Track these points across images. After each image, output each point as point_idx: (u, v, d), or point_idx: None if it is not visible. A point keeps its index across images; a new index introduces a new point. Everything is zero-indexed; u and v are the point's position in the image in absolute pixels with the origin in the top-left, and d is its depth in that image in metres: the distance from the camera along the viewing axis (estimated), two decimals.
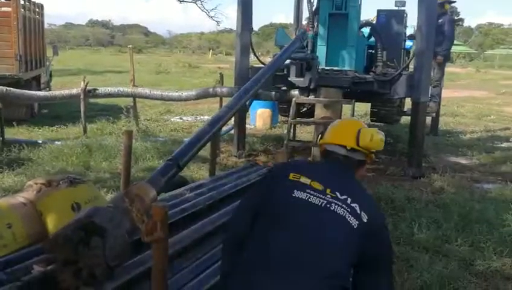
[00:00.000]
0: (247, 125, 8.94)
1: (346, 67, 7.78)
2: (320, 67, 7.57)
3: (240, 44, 7.93)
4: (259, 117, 11.10)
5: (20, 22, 10.34)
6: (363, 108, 11.84)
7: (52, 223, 2.86)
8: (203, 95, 9.15)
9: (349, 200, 1.98)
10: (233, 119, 8.64)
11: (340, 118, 7.44)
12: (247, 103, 8.31)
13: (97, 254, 2.03)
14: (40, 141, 8.22)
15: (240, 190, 4.06)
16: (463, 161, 8.38)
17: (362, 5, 8.20)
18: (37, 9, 12.12)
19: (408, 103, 7.73)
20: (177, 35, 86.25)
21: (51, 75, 14.56)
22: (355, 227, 1.92)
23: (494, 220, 5.16)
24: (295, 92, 7.52)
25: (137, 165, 6.81)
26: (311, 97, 7.42)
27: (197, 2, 11.73)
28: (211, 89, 8.99)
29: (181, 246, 2.84)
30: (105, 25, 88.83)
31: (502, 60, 48.35)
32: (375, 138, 2.21)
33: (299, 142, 8.01)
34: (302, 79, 7.21)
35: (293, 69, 7.31)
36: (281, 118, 11.27)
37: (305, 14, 8.45)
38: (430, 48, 7.24)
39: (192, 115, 12.51)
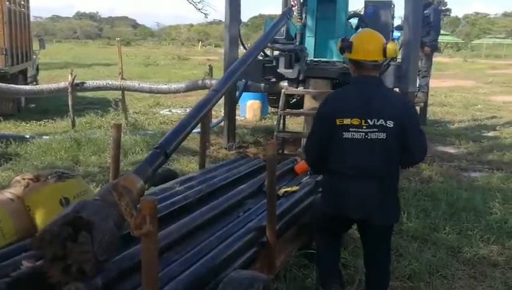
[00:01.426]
0: (237, 117, 8.93)
1: (335, 58, 7.77)
2: (308, 59, 7.57)
3: (228, 36, 7.90)
4: (249, 109, 11.10)
5: (5, 15, 10.22)
6: None
7: (40, 219, 2.86)
8: (193, 88, 9.14)
9: (378, 122, 2.87)
10: (222, 111, 8.64)
11: None
12: (237, 94, 8.36)
13: (85, 249, 2.02)
14: (28, 136, 8.14)
15: (231, 183, 4.07)
16: (451, 150, 8.45)
17: None
18: (22, 2, 12.00)
19: None
20: (165, 27, 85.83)
21: (37, 69, 14.44)
22: (385, 138, 2.88)
23: (481, 208, 5.23)
24: (284, 84, 7.52)
25: (127, 158, 6.79)
26: (300, 88, 7.43)
27: None
28: (200, 81, 8.98)
29: (171, 239, 2.85)
30: (92, 17, 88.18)
31: (488, 50, 48.67)
32: (395, 48, 3.05)
33: (289, 133, 8.02)
34: (291, 70, 7.22)
35: (282, 61, 7.31)
36: (270, 109, 11.27)
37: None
38: (417, 38, 7.26)
39: (182, 107, 12.47)
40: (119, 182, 2.36)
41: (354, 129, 2.89)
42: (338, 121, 2.91)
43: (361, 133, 2.88)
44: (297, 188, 4.16)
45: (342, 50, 3.06)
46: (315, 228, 3.41)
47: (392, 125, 2.86)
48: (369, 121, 2.87)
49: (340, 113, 2.93)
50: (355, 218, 3.07)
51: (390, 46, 2.95)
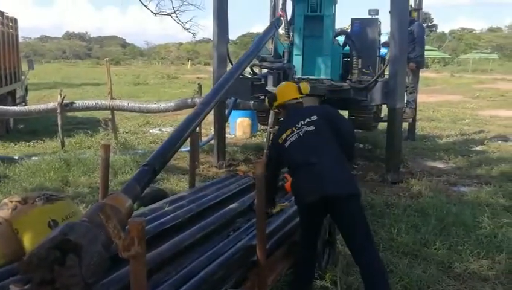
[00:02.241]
0: (227, 135, 8.95)
1: (322, 76, 7.85)
2: (296, 77, 7.63)
3: (216, 55, 7.95)
4: (239, 126, 11.13)
5: None
6: None
7: (28, 242, 2.83)
8: (182, 106, 9.16)
9: (304, 121, 3.53)
10: (212, 129, 8.66)
11: None
12: (226, 112, 8.39)
13: (73, 272, 2.00)
14: (16, 157, 8.10)
15: (221, 201, 4.07)
16: (440, 165, 8.51)
17: (336, 14, 8.30)
18: (11, 23, 11.99)
19: (385, 110, 7.83)
20: (155, 46, 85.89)
21: (26, 90, 14.38)
22: (314, 128, 3.49)
23: (470, 222, 5.25)
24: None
25: (116, 178, 6.77)
26: None
27: (172, 15, 11.71)
28: (189, 100, 9.02)
29: (161, 260, 2.83)
30: (82, 37, 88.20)
31: (475, 64, 49.22)
32: (307, 86, 3.95)
33: None
34: None
35: (270, 79, 7.37)
36: (260, 126, 11.30)
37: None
38: (403, 54, 7.35)
39: (172, 126, 12.46)
40: (107, 203, 2.35)
41: (290, 136, 3.52)
42: (280, 140, 3.59)
43: (296, 134, 3.50)
44: (287, 204, 4.17)
45: (269, 103, 3.95)
46: (299, 235, 3.68)
47: (316, 118, 3.53)
48: (296, 125, 3.54)
49: (279, 136, 3.62)
50: (329, 193, 3.28)
51: (303, 84, 3.91)
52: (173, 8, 11.70)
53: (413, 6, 9.92)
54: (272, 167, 3.69)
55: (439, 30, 73.63)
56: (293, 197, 4.28)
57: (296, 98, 3.84)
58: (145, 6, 11.65)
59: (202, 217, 3.61)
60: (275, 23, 7.63)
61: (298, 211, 3.62)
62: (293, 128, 3.53)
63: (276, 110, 4.10)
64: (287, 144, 3.51)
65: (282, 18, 7.94)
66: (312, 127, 3.50)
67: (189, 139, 4.52)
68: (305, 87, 3.88)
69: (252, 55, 6.37)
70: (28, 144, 9.66)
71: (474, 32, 73.67)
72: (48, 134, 10.24)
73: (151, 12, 11.96)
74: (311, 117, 3.55)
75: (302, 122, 3.53)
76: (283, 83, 4.40)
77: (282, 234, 3.70)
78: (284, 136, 3.55)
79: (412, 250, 4.61)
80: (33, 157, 7.98)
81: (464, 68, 47.46)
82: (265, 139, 8.14)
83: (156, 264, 2.73)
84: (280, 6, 8.42)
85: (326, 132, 3.51)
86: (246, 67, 6.18)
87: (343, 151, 3.50)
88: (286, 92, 3.89)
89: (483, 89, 24.73)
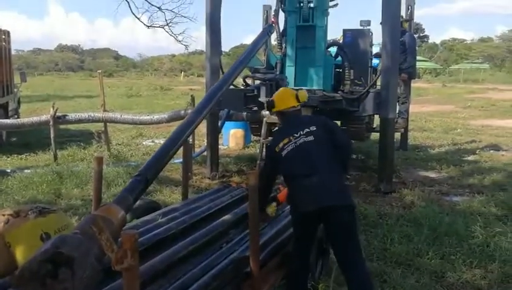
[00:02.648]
0: (220, 146, 8.96)
1: (315, 87, 7.89)
2: (289, 88, 7.66)
3: (209, 66, 7.99)
4: (232, 137, 11.14)
5: None
6: None
7: (21, 255, 2.81)
8: (176, 118, 9.17)
9: (303, 131, 3.54)
10: (205, 140, 8.67)
11: None
12: (219, 123, 8.41)
13: (66, 286, 1.98)
14: (9, 170, 8.07)
15: (214, 213, 4.06)
16: (432, 174, 8.55)
17: (328, 25, 8.37)
18: (3, 36, 11.98)
19: (377, 120, 7.88)
20: (148, 58, 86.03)
21: (19, 102, 14.33)
22: (313, 139, 3.51)
23: (463, 232, 5.28)
24: (266, 112, 7.61)
25: (109, 190, 6.75)
26: None
27: (165, 27, 11.74)
28: (182, 111, 9.02)
29: (154, 272, 2.83)
30: (74, 49, 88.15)
31: (466, 74, 49.62)
32: (305, 94, 3.95)
33: None
34: None
35: (263, 90, 7.40)
36: (253, 137, 11.32)
37: (273, 35, 8.52)
38: (395, 65, 7.41)
39: (165, 137, 12.41)
40: (99, 214, 2.34)
41: (287, 145, 3.53)
42: (276, 149, 3.60)
43: (293, 144, 3.51)
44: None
45: (268, 108, 3.99)
46: (292, 246, 3.66)
47: (314, 128, 3.55)
48: (295, 135, 3.55)
49: (276, 144, 3.64)
50: (325, 204, 3.32)
51: (301, 92, 3.91)
52: (166, 20, 11.71)
53: (404, 17, 10.02)
54: (267, 175, 3.70)
55: (430, 41, 74.36)
56: (288, 207, 4.28)
57: (294, 106, 3.84)
58: (138, 19, 11.66)
59: (195, 228, 3.60)
60: (267, 30, 7.66)
61: (292, 221, 3.62)
62: (291, 137, 3.54)
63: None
64: (284, 153, 3.52)
65: (274, 25, 7.98)
66: (311, 137, 3.51)
67: (182, 151, 4.52)
68: (303, 95, 3.90)
69: (244, 62, 6.37)
70: (20, 156, 9.62)
71: (465, 42, 74.45)
72: (40, 147, 10.20)
73: (144, 24, 11.95)
74: (310, 127, 3.56)
75: (301, 132, 3.54)
76: (281, 89, 4.37)
77: (275, 245, 3.70)
78: (281, 145, 3.56)
79: (405, 260, 4.63)
80: (26, 170, 7.96)
81: (455, 78, 47.85)
82: (258, 150, 8.14)
83: (149, 276, 2.72)
84: (272, 14, 8.46)
85: (325, 143, 3.53)
86: (238, 74, 6.17)
87: (339, 163, 3.54)
88: (284, 99, 3.88)
89: (475, 99, 24.93)
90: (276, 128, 4.17)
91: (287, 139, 3.55)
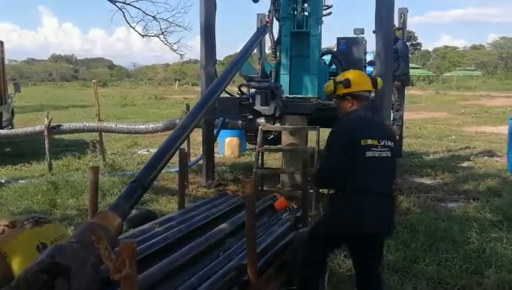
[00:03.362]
0: (215, 155, 8.96)
1: (310, 95, 7.92)
2: (284, 96, 7.69)
3: (204, 75, 8.00)
4: (227, 146, 11.15)
5: None
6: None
7: (17, 265, 2.80)
8: (170, 127, 9.16)
9: (386, 142, 3.25)
10: (201, 149, 8.66)
11: (306, 144, 7.57)
12: (215, 132, 8.41)
13: None
14: (3, 181, 8.04)
15: (210, 222, 4.05)
16: (427, 181, 8.58)
17: (322, 34, 8.41)
18: None
19: None
20: (142, 67, 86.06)
21: (13, 113, 14.28)
22: (389, 156, 3.26)
23: (459, 238, 5.30)
24: (261, 120, 7.63)
25: (105, 200, 6.72)
26: (277, 125, 7.53)
27: (160, 36, 11.76)
28: (177, 120, 9.02)
29: (152, 282, 2.81)
30: (68, 59, 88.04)
31: (459, 82, 49.92)
32: (381, 80, 3.69)
33: (267, 169, 8.06)
34: (267, 107, 7.31)
35: (258, 98, 7.41)
36: (249, 145, 11.33)
37: (268, 43, 8.56)
38: (389, 72, 7.46)
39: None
40: (95, 222, 2.32)
41: (374, 149, 3.19)
42: (362, 142, 3.20)
43: (378, 152, 3.20)
44: None
45: (336, 88, 3.47)
46: (306, 254, 3.49)
47: (392, 145, 3.30)
48: (380, 141, 3.23)
49: (363, 135, 3.23)
50: (373, 232, 3.25)
51: (379, 79, 3.62)
52: (161, 29, 11.72)
53: (397, 25, 10.09)
54: (332, 172, 3.32)
55: (423, 48, 74.78)
56: (285, 215, 4.20)
57: (370, 91, 3.57)
58: (133, 28, 11.67)
59: (192, 237, 3.59)
60: (261, 29, 7.65)
61: (327, 230, 3.39)
62: (377, 142, 3.22)
63: (335, 99, 3.67)
64: (368, 154, 3.19)
65: (268, 25, 7.99)
66: (389, 153, 3.27)
67: (177, 160, 4.52)
68: (380, 81, 3.62)
69: (240, 62, 6.33)
70: (14, 167, 9.57)
71: (457, 50, 74.96)
72: (35, 157, 10.16)
73: (139, 34, 11.97)
74: (388, 141, 3.27)
75: (384, 142, 3.25)
76: (353, 70, 3.86)
77: (273, 252, 3.69)
78: (369, 142, 3.21)
79: (402, 266, 4.63)
80: (20, 181, 7.93)
81: (448, 85, 48.11)
82: (253, 159, 8.13)
83: (147, 285, 2.71)
84: (267, 14, 8.47)
85: (392, 163, 3.38)
86: (233, 76, 6.12)
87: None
88: (362, 81, 3.51)
89: (468, 106, 25.08)
90: (348, 116, 3.49)
91: (375, 141, 3.21)
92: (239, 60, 6.25)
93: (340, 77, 3.53)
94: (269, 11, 8.16)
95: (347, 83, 3.40)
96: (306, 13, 7.96)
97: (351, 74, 3.55)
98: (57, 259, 2.04)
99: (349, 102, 3.43)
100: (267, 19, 8.23)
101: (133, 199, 2.75)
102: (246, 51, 6.61)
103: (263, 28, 7.77)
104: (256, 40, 7.10)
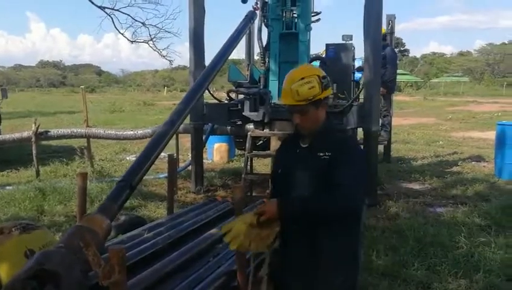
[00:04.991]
0: (204, 160, 8.94)
1: None
2: (273, 102, 7.71)
3: (193, 81, 7.98)
4: (216, 151, 11.13)
5: None
6: None
7: (5, 272, 2.76)
8: None
9: None
10: (190, 155, 8.65)
11: None
12: (203, 137, 8.40)
13: None
14: None
15: (200, 227, 4.04)
16: (416, 186, 8.62)
17: (311, 40, 8.45)
18: None
19: (361, 133, 7.95)
20: (130, 73, 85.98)
21: (0, 119, 14.16)
22: None
23: (447, 243, 5.33)
24: (250, 126, 7.63)
25: (93, 206, 6.65)
26: (266, 130, 7.53)
27: (149, 42, 11.75)
28: None
29: (141, 287, 2.79)
30: (56, 65, 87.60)
31: (447, 87, 50.47)
32: None
33: (256, 175, 8.06)
34: (256, 113, 7.33)
35: (247, 104, 7.42)
36: (237, 151, 11.33)
37: (256, 50, 8.60)
38: (377, 78, 7.50)
39: None
40: (84, 225, 2.28)
41: None
42: None
43: None
44: None
45: (325, 87, 2.45)
46: None
47: None
48: None
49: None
50: None
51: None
52: (150, 35, 11.73)
53: (385, 30, 10.17)
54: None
55: (411, 55, 75.52)
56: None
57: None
58: (122, 34, 11.66)
59: (182, 243, 3.57)
60: (249, 16, 7.61)
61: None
62: None
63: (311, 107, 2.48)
64: None
65: (257, 12, 7.97)
66: None
67: (166, 166, 4.50)
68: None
69: (229, 49, 6.26)
70: (1, 173, 9.47)
71: (445, 56, 75.86)
72: (22, 163, 10.06)
73: (128, 40, 11.96)
74: None
75: None
76: (305, 66, 3.14)
77: (263, 258, 3.68)
78: None
79: (391, 271, 4.65)
80: (7, 187, 7.85)
81: (436, 91, 48.59)
82: (242, 164, 8.13)
83: None
84: (256, 32, 8.49)
85: None
86: (223, 65, 6.07)
87: None
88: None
89: (456, 112, 25.32)
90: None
91: None
92: (228, 47, 6.17)
93: (311, 74, 2.46)
94: (259, 53, 8.13)
95: (328, 83, 2.47)
96: (295, 15, 7.99)
97: (317, 70, 2.61)
98: (45, 265, 2.01)
99: (323, 110, 2.55)
100: (254, 6, 8.20)
101: (121, 199, 2.67)
102: (235, 39, 6.55)
103: (251, 15, 7.71)
104: (245, 27, 7.04)
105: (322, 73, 2.49)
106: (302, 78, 2.44)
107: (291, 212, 2.35)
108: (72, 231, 2.30)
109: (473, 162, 10.83)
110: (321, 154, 2.42)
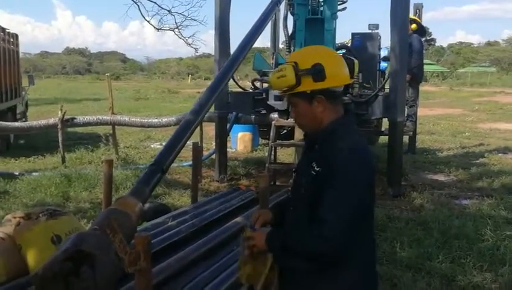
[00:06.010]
0: (228, 149, 8.96)
1: None
2: None
3: (218, 70, 7.98)
4: (240, 140, 11.14)
5: None
6: None
7: (32, 257, 2.83)
8: None
9: None
10: (214, 143, 8.68)
11: None
12: (228, 126, 8.41)
13: (88, 284, 1.98)
14: (17, 173, 8.09)
15: (224, 216, 4.06)
16: (441, 177, 8.51)
17: (337, 29, 8.34)
18: (12, 39, 12.05)
19: (386, 123, 7.85)
20: (155, 61, 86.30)
21: (27, 105, 14.42)
22: None
23: (473, 235, 5.25)
24: (274, 115, 7.60)
25: (118, 193, 6.73)
26: (290, 120, 7.49)
27: (175, 30, 11.76)
28: None
29: (166, 275, 2.82)
30: (82, 52, 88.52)
31: (473, 78, 49.44)
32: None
33: (280, 165, 8.05)
34: (280, 102, 7.28)
35: (271, 93, 7.39)
36: (261, 140, 11.31)
37: (281, 38, 8.54)
38: (403, 68, 7.38)
39: None
40: (117, 208, 2.29)
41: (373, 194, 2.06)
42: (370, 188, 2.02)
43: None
44: None
45: (299, 81, 1.93)
46: None
47: None
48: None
49: (373, 175, 2.02)
50: None
51: (355, 60, 2.18)
52: (176, 23, 11.73)
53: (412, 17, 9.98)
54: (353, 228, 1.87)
55: (437, 44, 74.11)
56: None
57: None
58: (148, 22, 11.70)
59: (206, 231, 3.60)
60: (275, 1, 7.53)
61: None
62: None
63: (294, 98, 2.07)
64: (371, 204, 2.04)
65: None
66: None
67: (191, 154, 4.52)
68: (357, 64, 2.19)
69: (255, 35, 6.17)
70: (28, 159, 9.66)
71: (472, 46, 74.24)
72: (48, 149, 10.23)
73: (154, 27, 11.99)
74: None
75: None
76: (314, 47, 2.48)
77: None
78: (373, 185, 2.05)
79: (415, 263, 4.60)
80: (34, 173, 7.98)
81: (462, 82, 47.66)
82: (266, 154, 8.12)
83: (161, 279, 2.72)
84: (281, 20, 8.41)
85: None
86: (248, 51, 6.00)
87: None
88: (341, 68, 2.02)
89: (482, 102, 24.83)
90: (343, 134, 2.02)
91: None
92: (254, 34, 6.12)
93: (301, 60, 1.96)
94: (284, 42, 8.01)
95: (320, 73, 1.92)
96: (321, 1, 7.89)
97: (317, 55, 2.00)
98: (81, 247, 2.04)
99: (321, 106, 1.98)
100: None
101: (152, 182, 2.67)
102: (261, 23, 6.49)
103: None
104: (271, 12, 6.95)
105: (312, 61, 1.93)
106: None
107: (273, 247, 1.98)
108: (106, 213, 2.31)
109: (500, 154, 10.62)
110: (314, 165, 1.94)
